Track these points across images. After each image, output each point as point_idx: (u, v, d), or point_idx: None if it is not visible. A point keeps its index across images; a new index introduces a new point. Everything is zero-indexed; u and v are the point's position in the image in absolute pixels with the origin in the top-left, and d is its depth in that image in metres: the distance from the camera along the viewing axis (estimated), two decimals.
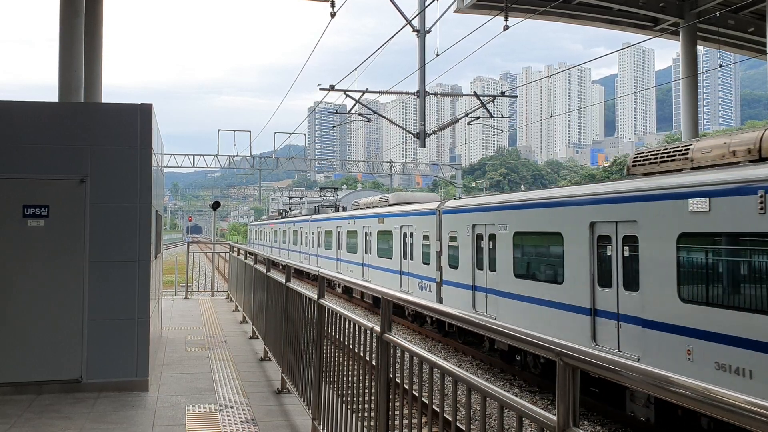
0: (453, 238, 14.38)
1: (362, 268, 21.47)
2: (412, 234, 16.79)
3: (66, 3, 11.12)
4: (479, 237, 13.21)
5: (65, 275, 6.94)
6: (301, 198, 54.12)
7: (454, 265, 14.33)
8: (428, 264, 15.70)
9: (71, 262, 6.96)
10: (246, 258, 11.98)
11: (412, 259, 16.77)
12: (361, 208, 23.94)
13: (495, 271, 12.40)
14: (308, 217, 32.11)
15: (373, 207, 22.15)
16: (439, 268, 15.05)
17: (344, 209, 32.90)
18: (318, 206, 36.35)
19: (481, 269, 13.11)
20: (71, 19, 11.06)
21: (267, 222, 48.91)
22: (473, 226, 13.37)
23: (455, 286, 14.23)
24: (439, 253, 15.04)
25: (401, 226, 17.55)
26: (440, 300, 14.85)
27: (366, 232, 21.00)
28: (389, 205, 20.38)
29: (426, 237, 15.88)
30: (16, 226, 6.86)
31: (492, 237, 12.58)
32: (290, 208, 48.09)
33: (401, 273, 17.65)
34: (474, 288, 13.39)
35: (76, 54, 11.08)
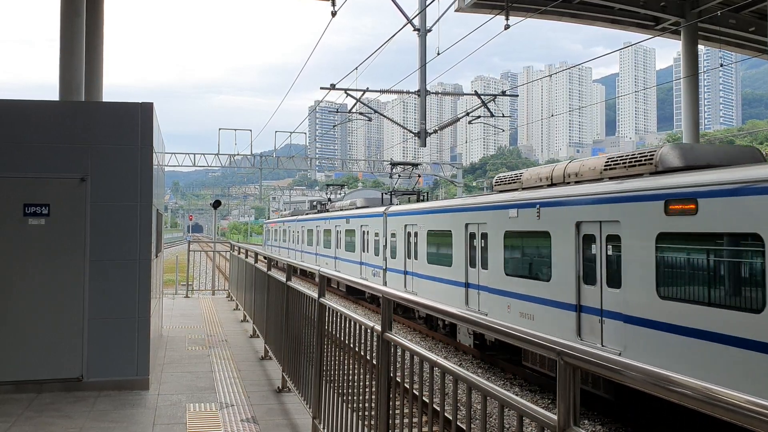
0: None
1: (576, 318, 9.58)
2: None
3: (67, 2, 11.12)
4: None
5: (66, 274, 6.95)
6: (342, 186, 38.90)
7: None
8: None
9: (72, 261, 6.96)
10: (246, 257, 11.99)
11: None
12: (538, 186, 11.31)
13: None
14: (379, 210, 19.65)
15: (594, 179, 9.83)
16: None
17: (424, 198, 22.55)
18: (389, 193, 24.23)
19: None
20: (72, 18, 11.06)
21: (294, 219, 35.50)
22: None
23: None
24: None
25: None
26: None
27: (588, 236, 9.41)
28: (657, 172, 8.64)
29: None
30: (17, 224, 6.87)
31: None
32: (330, 200, 34.45)
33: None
34: None
35: (76, 53, 11.08)
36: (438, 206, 15.46)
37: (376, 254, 19.31)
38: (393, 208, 18.74)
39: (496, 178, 13.44)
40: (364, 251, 20.76)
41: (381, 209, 19.51)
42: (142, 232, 7.16)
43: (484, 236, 12.57)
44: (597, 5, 21.69)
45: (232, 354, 9.20)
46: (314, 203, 38.45)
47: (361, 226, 21.01)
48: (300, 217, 33.46)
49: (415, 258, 16.22)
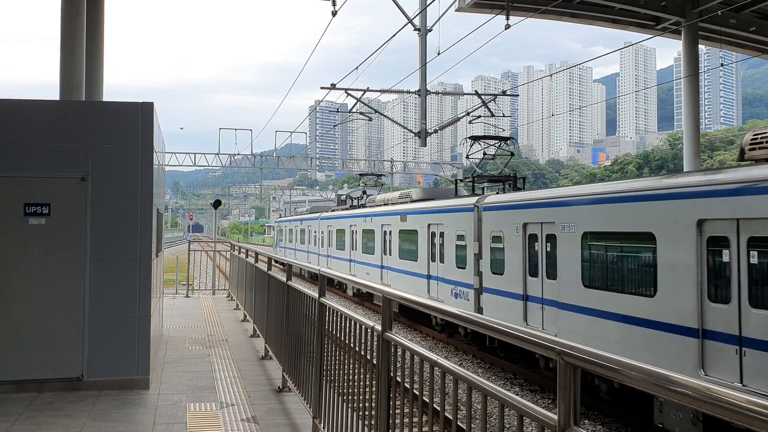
0: None
1: None
2: None
3: (67, 2, 11.12)
4: None
5: (66, 273, 6.95)
6: (379, 176, 29.69)
7: None
8: None
9: (72, 261, 6.96)
10: (247, 257, 11.99)
11: None
12: None
13: None
14: (467, 201, 13.76)
15: None
16: None
17: (519, 185, 15.55)
18: (469, 177, 16.55)
19: None
20: (72, 18, 11.06)
21: (315, 216, 28.23)
22: None
23: None
24: None
25: None
26: None
27: None
28: None
29: None
30: (18, 224, 6.87)
31: None
32: (365, 193, 26.73)
33: None
34: None
35: (77, 53, 11.08)
36: (616, 190, 9.01)
37: (460, 266, 13.63)
38: (493, 198, 12.82)
39: (750, 135, 7.88)
40: (433, 261, 15.14)
41: (470, 201, 13.49)
42: (142, 231, 7.17)
43: (757, 244, 6.87)
44: (597, 5, 21.70)
45: (233, 354, 9.20)
46: (343, 197, 30.58)
47: (429, 225, 15.36)
48: (325, 214, 26.85)
49: (548, 276, 10.60)
